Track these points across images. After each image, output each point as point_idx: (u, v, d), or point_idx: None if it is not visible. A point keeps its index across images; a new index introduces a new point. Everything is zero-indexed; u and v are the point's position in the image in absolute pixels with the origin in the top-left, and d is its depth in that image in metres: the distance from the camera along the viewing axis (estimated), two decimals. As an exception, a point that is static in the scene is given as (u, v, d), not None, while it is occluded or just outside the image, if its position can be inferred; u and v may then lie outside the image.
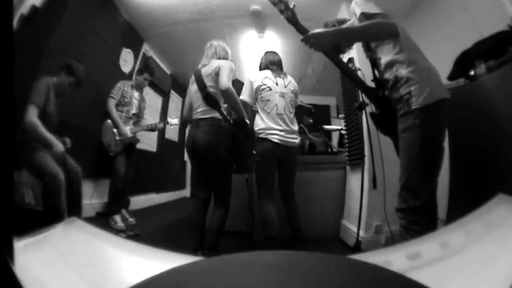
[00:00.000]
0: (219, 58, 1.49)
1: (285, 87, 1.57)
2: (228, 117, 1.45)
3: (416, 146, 0.95)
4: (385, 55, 1.06)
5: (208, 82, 1.43)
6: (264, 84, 1.53)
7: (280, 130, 1.48)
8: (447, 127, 1.01)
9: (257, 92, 1.53)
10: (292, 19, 1.12)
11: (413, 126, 0.96)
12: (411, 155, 0.97)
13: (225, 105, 1.47)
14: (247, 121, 1.49)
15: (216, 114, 1.42)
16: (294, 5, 1.12)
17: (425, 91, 0.95)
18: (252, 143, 1.51)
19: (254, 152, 1.51)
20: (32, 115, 1.45)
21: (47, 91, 1.54)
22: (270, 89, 1.52)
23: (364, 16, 1.04)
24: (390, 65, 1.05)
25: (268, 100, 1.51)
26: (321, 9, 1.23)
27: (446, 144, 1.29)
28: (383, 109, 1.14)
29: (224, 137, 1.41)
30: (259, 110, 1.53)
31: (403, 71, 1.00)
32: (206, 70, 1.46)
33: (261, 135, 1.48)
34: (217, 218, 1.39)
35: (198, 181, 1.51)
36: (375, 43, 1.11)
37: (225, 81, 1.36)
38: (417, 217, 0.92)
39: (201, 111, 1.44)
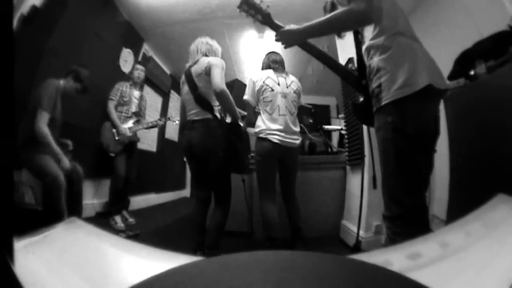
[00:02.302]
0: (205, 55, 1.44)
1: (287, 87, 1.56)
2: (221, 118, 1.43)
3: (391, 147, 0.82)
4: (366, 40, 0.92)
5: (199, 82, 1.38)
6: (266, 85, 1.52)
7: (281, 131, 1.47)
8: (434, 121, 0.85)
9: (259, 93, 1.52)
10: (264, 21, 1.10)
11: (386, 125, 0.83)
12: (387, 158, 0.84)
13: (218, 106, 1.45)
14: (241, 123, 1.47)
15: (208, 114, 1.39)
16: (268, 6, 1.11)
17: (397, 82, 0.80)
18: (247, 145, 1.50)
19: (249, 154, 1.50)
20: (43, 123, 1.44)
21: (56, 95, 1.54)
22: (272, 90, 1.52)
23: None
24: (367, 51, 0.92)
25: (270, 101, 1.50)
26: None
27: (446, 144, 1.30)
28: (365, 99, 1.02)
29: (220, 138, 1.39)
30: (261, 111, 1.53)
31: (375, 59, 0.87)
32: (195, 69, 1.41)
33: (261, 135, 1.48)
34: (218, 218, 1.38)
35: (197, 182, 1.50)
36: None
37: (219, 83, 1.30)
38: (402, 227, 0.79)
39: (194, 112, 1.40)
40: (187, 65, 1.46)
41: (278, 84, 1.54)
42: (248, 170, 1.59)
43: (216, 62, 1.35)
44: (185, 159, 1.55)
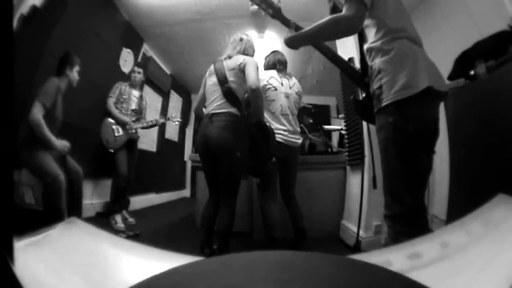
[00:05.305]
0: (243, 53, 1.42)
1: (290, 88, 1.59)
2: (247, 115, 1.37)
3: (392, 147, 0.83)
4: (369, 40, 0.93)
5: (230, 77, 1.35)
6: (270, 84, 1.53)
7: (284, 130, 1.49)
8: (434, 122, 0.86)
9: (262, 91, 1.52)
10: (275, 15, 1.12)
11: (386, 125, 0.84)
12: (389, 158, 0.85)
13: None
14: (268, 124, 1.42)
15: (232, 110, 1.33)
16: (279, 1, 1.12)
17: (398, 84, 0.82)
18: (271, 149, 1.40)
19: (273, 159, 1.41)
20: (38, 113, 1.44)
21: (56, 93, 1.54)
22: (276, 89, 1.53)
23: None
24: (369, 52, 0.93)
25: (273, 100, 1.52)
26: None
27: (446, 144, 1.30)
28: (367, 96, 1.02)
29: (241, 136, 1.32)
30: None
31: (377, 61, 0.89)
32: (228, 64, 1.38)
33: None
34: (225, 219, 1.33)
35: (212, 180, 1.42)
36: (364, 25, 0.94)
37: (255, 80, 1.29)
38: (404, 226, 0.80)
39: (217, 105, 1.34)
40: (220, 58, 1.44)
41: (282, 84, 1.56)
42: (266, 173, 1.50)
43: (252, 62, 1.36)
44: (186, 157, 1.51)
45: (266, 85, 1.52)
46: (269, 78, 1.54)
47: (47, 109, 1.48)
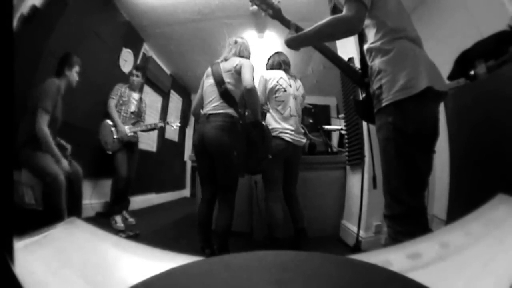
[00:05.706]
0: (238, 56, 1.45)
1: (297, 90, 1.61)
2: (243, 115, 1.41)
3: (392, 148, 0.83)
4: (369, 40, 0.93)
5: (227, 78, 1.38)
6: (280, 85, 1.54)
7: (291, 130, 1.52)
8: (434, 122, 0.86)
9: (271, 92, 1.53)
10: (275, 16, 1.13)
11: (386, 125, 0.85)
12: (388, 158, 0.86)
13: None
14: (264, 123, 1.44)
15: (229, 110, 1.35)
16: (279, 1, 1.13)
17: (397, 84, 0.82)
18: (268, 147, 1.42)
19: (270, 156, 1.43)
20: (44, 124, 1.43)
21: (57, 94, 1.53)
22: (285, 91, 1.55)
23: None
24: (369, 52, 0.94)
25: (283, 101, 1.53)
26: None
27: (446, 144, 1.30)
28: (367, 96, 1.02)
29: (237, 135, 1.35)
30: (271, 110, 1.55)
31: (377, 62, 0.89)
32: (225, 66, 1.41)
33: (274, 133, 1.49)
34: (224, 219, 1.34)
35: (206, 179, 1.44)
36: (364, 26, 0.93)
37: (250, 80, 1.31)
38: (404, 226, 0.80)
39: (214, 106, 1.37)
40: (217, 60, 1.48)
41: (290, 85, 1.58)
42: (259, 172, 1.53)
43: (248, 63, 1.39)
44: (186, 157, 1.52)
45: (276, 85, 1.53)
46: (279, 78, 1.55)
47: (51, 113, 1.47)
